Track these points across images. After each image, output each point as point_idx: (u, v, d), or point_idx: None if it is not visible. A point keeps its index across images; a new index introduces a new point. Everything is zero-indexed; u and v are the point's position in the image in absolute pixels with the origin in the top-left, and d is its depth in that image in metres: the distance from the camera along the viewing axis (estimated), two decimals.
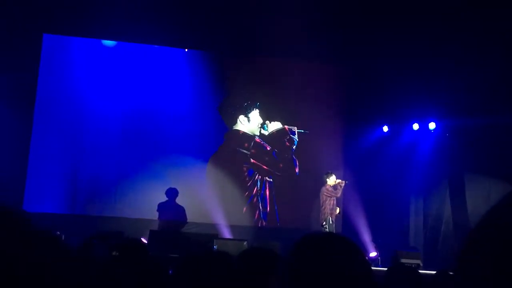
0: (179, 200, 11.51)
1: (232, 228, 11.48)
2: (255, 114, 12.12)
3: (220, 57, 12.34)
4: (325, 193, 10.48)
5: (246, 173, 12.01)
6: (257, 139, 12.11)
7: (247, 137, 12.10)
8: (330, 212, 10.39)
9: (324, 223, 10.35)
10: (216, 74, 12.09)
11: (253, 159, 12.06)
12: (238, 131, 12.13)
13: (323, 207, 10.47)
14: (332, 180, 10.54)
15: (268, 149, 12.16)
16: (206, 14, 11.23)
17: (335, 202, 10.54)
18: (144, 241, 10.21)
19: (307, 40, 10.82)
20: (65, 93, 11.55)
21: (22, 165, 11.05)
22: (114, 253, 2.92)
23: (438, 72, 11.58)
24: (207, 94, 12.00)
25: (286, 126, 12.18)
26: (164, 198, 11.43)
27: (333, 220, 10.45)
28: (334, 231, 10.23)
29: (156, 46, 11.91)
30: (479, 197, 11.65)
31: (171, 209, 11.42)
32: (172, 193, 11.45)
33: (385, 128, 12.40)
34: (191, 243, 9.68)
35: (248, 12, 10.74)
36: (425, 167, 12.10)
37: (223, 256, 2.44)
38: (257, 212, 11.99)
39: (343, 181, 10.61)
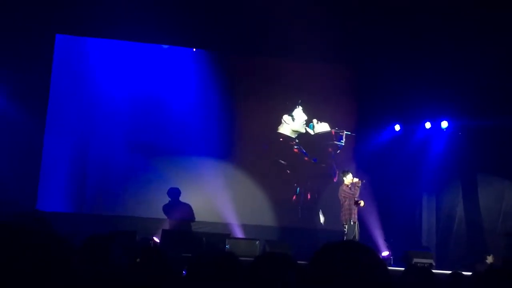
0: (190, 200, 11.52)
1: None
2: (299, 112, 12.12)
3: (232, 57, 12.36)
4: (342, 194, 10.13)
5: (284, 182, 11.98)
6: (295, 149, 12.10)
7: (287, 145, 12.09)
8: (349, 213, 9.97)
9: (344, 223, 10.02)
10: (230, 75, 12.09)
11: (289, 170, 12.04)
12: (279, 135, 12.12)
13: (342, 208, 10.10)
14: (349, 178, 10.17)
15: (306, 159, 12.15)
16: (218, 15, 11.23)
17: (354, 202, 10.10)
18: (156, 240, 10.27)
19: (319, 41, 10.77)
20: (76, 93, 11.61)
21: (35, 165, 11.12)
22: (137, 259, 2.95)
23: (451, 71, 11.51)
24: (220, 93, 11.99)
25: (333, 130, 12.15)
26: (176, 198, 11.45)
27: (355, 220, 10.01)
28: (356, 232, 9.97)
29: (167, 46, 11.94)
30: (492, 196, 11.59)
31: (182, 209, 11.43)
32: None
33: (397, 127, 12.35)
34: (204, 242, 9.68)
35: (260, 13, 10.70)
36: (438, 166, 12.02)
37: (234, 259, 2.44)
38: (297, 218, 11.99)
39: (360, 180, 10.17)
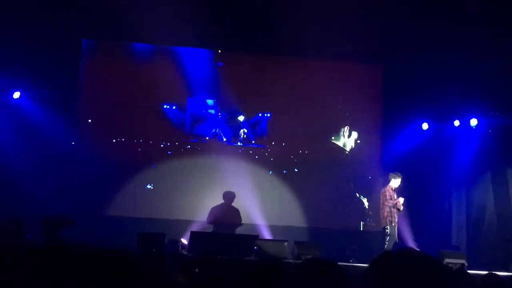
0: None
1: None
2: (355, 134, 12.26)
3: (253, 58, 12.36)
4: (382, 197, 10.06)
5: (324, 182, 11.99)
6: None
7: (339, 152, 12.19)
8: (390, 215, 9.88)
9: (386, 225, 9.94)
10: (252, 74, 12.09)
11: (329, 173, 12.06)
12: (332, 144, 12.23)
13: (382, 210, 10.05)
14: (396, 183, 10.06)
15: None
16: (244, 16, 11.22)
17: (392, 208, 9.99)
18: (184, 242, 10.28)
19: (346, 40, 10.69)
20: (102, 97, 11.73)
21: (64, 167, 11.24)
22: (196, 270, 2.96)
23: (479, 68, 11.31)
24: (244, 95, 11.99)
25: None
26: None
27: (395, 223, 9.95)
28: (395, 232, 9.97)
29: (192, 48, 12.00)
30: None
31: (232, 212, 11.34)
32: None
33: (425, 126, 12.19)
34: (232, 244, 9.63)
35: (286, 12, 10.66)
36: (467, 163, 11.85)
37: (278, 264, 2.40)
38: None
39: (400, 199, 10.00)
